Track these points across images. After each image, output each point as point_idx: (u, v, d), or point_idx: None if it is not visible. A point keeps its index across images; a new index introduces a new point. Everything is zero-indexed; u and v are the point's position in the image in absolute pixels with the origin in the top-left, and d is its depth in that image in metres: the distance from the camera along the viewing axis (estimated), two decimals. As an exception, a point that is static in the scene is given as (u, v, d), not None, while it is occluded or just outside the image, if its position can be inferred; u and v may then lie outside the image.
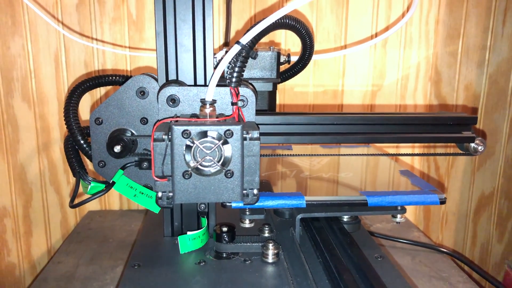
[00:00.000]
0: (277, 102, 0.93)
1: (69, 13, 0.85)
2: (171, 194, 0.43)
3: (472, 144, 0.55)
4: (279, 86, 0.92)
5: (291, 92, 0.93)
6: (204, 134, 0.42)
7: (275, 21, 0.48)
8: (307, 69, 0.92)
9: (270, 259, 0.51)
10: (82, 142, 0.53)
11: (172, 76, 0.52)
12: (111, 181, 0.51)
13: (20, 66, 0.86)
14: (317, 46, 0.92)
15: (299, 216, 0.54)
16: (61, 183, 0.92)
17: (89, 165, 0.56)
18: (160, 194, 0.43)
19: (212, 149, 0.42)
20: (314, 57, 0.73)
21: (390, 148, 0.96)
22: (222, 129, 0.42)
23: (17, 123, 0.88)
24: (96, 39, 0.87)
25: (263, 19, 0.46)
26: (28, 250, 0.94)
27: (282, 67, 0.65)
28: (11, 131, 0.88)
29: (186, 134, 0.42)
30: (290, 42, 0.91)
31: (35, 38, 0.85)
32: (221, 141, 0.42)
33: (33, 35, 0.85)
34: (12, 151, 0.89)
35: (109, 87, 0.87)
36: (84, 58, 0.87)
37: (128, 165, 0.52)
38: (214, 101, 0.46)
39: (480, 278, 0.93)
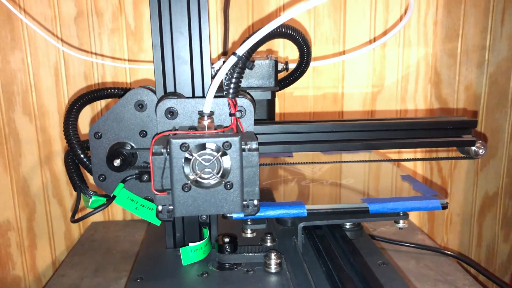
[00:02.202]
0: (277, 110, 0.93)
1: (67, 25, 0.85)
2: (171, 207, 0.43)
3: (473, 148, 0.55)
4: (279, 91, 0.92)
5: (291, 97, 0.93)
6: (202, 147, 0.42)
7: (271, 31, 0.48)
8: (307, 73, 0.92)
9: (273, 269, 0.51)
10: (82, 156, 0.53)
11: (170, 89, 0.52)
12: (112, 195, 0.51)
13: (20, 80, 0.87)
14: (315, 51, 0.92)
15: (301, 225, 0.54)
16: (64, 195, 0.92)
17: (90, 179, 0.56)
18: (160, 207, 0.43)
19: (211, 161, 0.42)
20: (312, 64, 0.73)
21: (392, 153, 0.96)
22: (220, 141, 0.42)
23: (18, 137, 0.88)
24: (96, 53, 0.87)
25: (259, 29, 0.46)
26: (33, 263, 0.94)
27: (281, 75, 0.65)
28: (13, 145, 0.88)
29: (184, 147, 0.42)
30: (288, 48, 0.91)
31: (34, 52, 0.86)
32: (220, 153, 0.42)
33: (32, 49, 0.86)
34: (14, 164, 0.89)
35: (110, 99, 0.88)
36: (84, 70, 0.88)
37: (129, 178, 0.52)
38: (212, 113, 0.46)
39: (487, 280, 0.92)
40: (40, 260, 0.94)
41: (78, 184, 0.55)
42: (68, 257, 0.76)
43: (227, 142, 0.42)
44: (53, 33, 0.85)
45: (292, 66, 0.64)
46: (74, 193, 0.94)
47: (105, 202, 0.52)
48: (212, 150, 0.43)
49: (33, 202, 0.92)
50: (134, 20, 0.87)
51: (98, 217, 0.95)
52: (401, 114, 0.96)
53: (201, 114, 0.45)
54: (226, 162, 0.43)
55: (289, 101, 0.93)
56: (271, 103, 0.60)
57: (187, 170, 0.42)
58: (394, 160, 0.77)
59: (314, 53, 0.91)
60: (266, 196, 0.58)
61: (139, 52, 0.88)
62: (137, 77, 0.90)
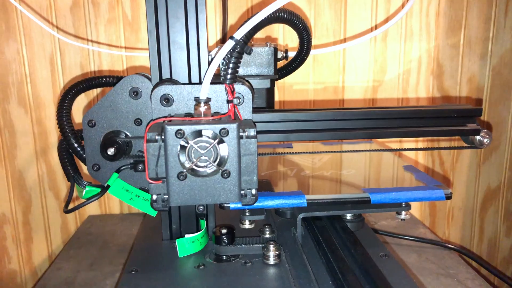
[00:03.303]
0: (277, 99, 0.92)
1: (63, 15, 0.84)
2: (166, 196, 0.42)
3: (478, 137, 0.53)
4: (279, 84, 0.91)
5: (291, 90, 0.92)
6: (198, 134, 0.41)
7: (270, 14, 0.47)
8: (307, 66, 0.91)
9: (272, 260, 0.50)
10: (76, 145, 0.52)
11: (166, 75, 0.51)
12: (106, 185, 0.50)
13: (16, 71, 0.85)
14: (316, 42, 0.90)
15: (301, 216, 0.53)
16: (60, 188, 0.91)
17: (84, 169, 0.55)
18: (155, 196, 0.42)
19: (208, 149, 0.41)
20: (313, 52, 0.71)
21: (393, 143, 0.94)
22: (217, 127, 0.41)
23: (14, 129, 0.87)
24: (92, 41, 0.86)
25: (257, 13, 0.44)
26: (29, 256, 0.93)
27: (280, 63, 0.63)
28: (8, 137, 0.87)
29: (180, 134, 0.40)
30: (288, 37, 0.89)
31: (29, 42, 0.84)
32: (217, 140, 0.41)
33: (27, 39, 0.84)
34: (10, 157, 0.88)
35: (106, 87, 0.86)
36: (80, 60, 0.86)
37: (123, 167, 0.51)
38: (208, 99, 0.44)
39: (489, 273, 0.91)
40: (36, 254, 0.93)
41: (72, 174, 0.53)
42: (64, 251, 0.75)
43: (224, 129, 0.41)
44: (48, 25, 0.84)
45: (292, 54, 0.62)
46: (69, 184, 0.93)
47: (99, 192, 0.51)
48: (209, 137, 0.41)
49: (28, 195, 0.90)
50: (131, 10, 0.85)
51: (94, 210, 0.93)
52: (403, 103, 0.94)
53: (197, 100, 0.43)
54: (223, 149, 0.41)
55: (289, 93, 0.92)
56: (270, 92, 0.59)
57: (182, 158, 0.41)
58: (396, 150, 0.76)
59: (314, 43, 0.90)
60: (265, 187, 0.56)
61: (136, 42, 0.87)
62: (134, 67, 0.88)
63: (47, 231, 0.93)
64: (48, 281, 0.65)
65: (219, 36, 0.87)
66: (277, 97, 0.92)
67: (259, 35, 0.87)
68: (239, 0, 0.87)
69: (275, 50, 0.58)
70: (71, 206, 0.53)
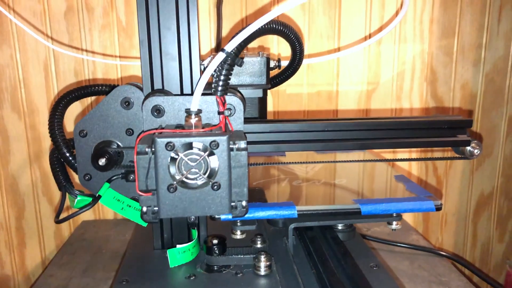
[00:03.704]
0: (271, 108, 0.92)
1: (57, 21, 0.84)
2: (156, 208, 0.42)
3: (468, 148, 0.53)
4: (273, 89, 0.91)
5: (284, 95, 0.92)
6: (189, 146, 0.41)
7: (262, 26, 0.47)
8: (301, 71, 0.91)
9: (262, 271, 0.50)
10: (67, 155, 0.52)
11: (157, 86, 0.51)
12: (97, 195, 0.50)
13: (9, 76, 0.85)
14: (310, 49, 0.90)
15: (292, 226, 0.53)
16: (54, 193, 0.91)
17: (75, 178, 0.55)
18: (145, 209, 0.42)
19: (198, 161, 0.41)
20: (307, 61, 0.72)
21: (387, 153, 0.95)
22: (207, 140, 0.41)
23: (7, 134, 0.87)
24: (86, 50, 0.85)
25: (249, 25, 0.45)
26: (22, 262, 0.93)
27: (273, 72, 0.63)
28: (1, 142, 0.87)
29: (170, 147, 0.40)
30: (282, 45, 0.89)
31: (23, 48, 0.84)
32: (207, 153, 0.41)
33: (21, 44, 0.84)
34: (3, 162, 0.88)
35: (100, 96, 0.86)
36: (74, 66, 0.86)
37: (114, 178, 0.51)
38: (199, 111, 0.44)
39: (481, 280, 0.91)
40: (29, 259, 0.93)
41: (64, 183, 0.53)
42: (57, 257, 0.75)
43: (214, 141, 0.41)
44: (42, 30, 0.84)
45: (284, 63, 0.63)
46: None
47: (90, 202, 0.51)
48: (199, 149, 0.41)
49: (22, 201, 0.90)
50: (125, 15, 0.85)
51: (88, 216, 0.93)
52: (396, 112, 0.95)
53: (188, 112, 0.44)
54: (214, 162, 0.41)
55: (283, 98, 0.92)
56: (262, 101, 0.59)
57: (172, 170, 0.41)
58: (389, 160, 0.76)
59: (308, 50, 0.90)
60: (258, 196, 0.56)
61: (131, 48, 0.87)
62: (128, 74, 0.88)
63: (40, 237, 0.93)
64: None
65: (213, 44, 0.88)
66: (271, 105, 0.92)
67: (253, 44, 0.87)
68: (234, 8, 0.87)
69: (268, 60, 0.58)
70: (63, 215, 0.53)
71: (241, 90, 0.56)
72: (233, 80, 0.58)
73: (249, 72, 0.58)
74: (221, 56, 0.44)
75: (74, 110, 0.87)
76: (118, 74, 0.88)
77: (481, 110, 0.97)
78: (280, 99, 0.92)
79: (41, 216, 0.92)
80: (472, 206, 1.03)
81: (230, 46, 0.44)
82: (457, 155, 0.55)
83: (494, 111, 0.98)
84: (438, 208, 0.50)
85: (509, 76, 0.96)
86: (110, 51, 0.86)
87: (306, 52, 0.90)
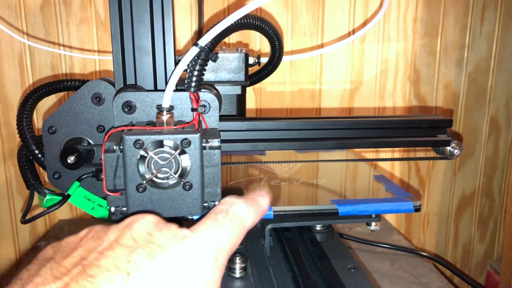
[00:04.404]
0: (254, 105, 0.91)
1: (32, 14, 0.81)
2: (125, 209, 0.40)
3: (448, 148, 0.53)
4: (255, 86, 0.89)
5: (267, 93, 0.91)
6: (159, 144, 0.39)
7: (238, 21, 0.45)
8: (284, 68, 0.90)
9: (237, 273, 0.49)
10: (36, 152, 0.50)
11: (130, 81, 0.49)
12: (66, 194, 0.48)
13: (-18, 70, 0.82)
14: (293, 46, 0.89)
15: (269, 227, 0.52)
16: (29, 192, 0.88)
17: (45, 176, 0.53)
18: (113, 209, 0.40)
19: (168, 160, 0.39)
20: (289, 57, 0.70)
21: (369, 152, 0.94)
22: (179, 138, 0.39)
23: (-20, 130, 0.84)
24: (64, 45, 0.83)
25: (224, 18, 0.43)
26: (-5, 262, 0.90)
27: (253, 69, 0.62)
28: (-27, 139, 0.84)
29: (138, 144, 0.38)
30: (265, 42, 0.88)
31: (-4, 41, 0.81)
32: (178, 151, 0.39)
33: (-6, 37, 0.81)
34: (-25, 159, 0.85)
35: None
36: (50, 61, 0.84)
37: (85, 176, 0.49)
38: (171, 107, 0.43)
39: (461, 281, 0.91)
40: (3, 259, 0.90)
41: (32, 182, 0.51)
42: (30, 256, 0.73)
43: (186, 139, 0.39)
44: (17, 24, 0.81)
45: (264, 60, 0.61)
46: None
47: (59, 201, 0.49)
48: (170, 147, 0.39)
49: (-5, 199, 0.87)
50: (104, 9, 0.83)
51: (65, 214, 0.91)
52: (379, 111, 0.94)
53: (159, 108, 0.42)
54: (185, 161, 0.40)
55: (265, 96, 0.91)
56: (241, 99, 0.57)
57: (142, 169, 0.39)
58: (370, 160, 0.75)
59: (291, 47, 0.89)
60: (237, 194, 0.55)
61: (109, 43, 0.84)
62: (106, 68, 0.86)
63: (15, 236, 0.90)
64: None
65: (194, 36, 0.86)
66: (253, 104, 0.90)
67: (234, 40, 0.86)
68: (216, 0, 0.85)
69: (247, 56, 0.57)
70: (30, 215, 0.51)
71: (218, 87, 0.55)
72: (211, 77, 0.56)
73: (227, 68, 0.56)
74: (194, 50, 0.42)
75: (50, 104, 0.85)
76: (97, 68, 0.86)
77: (463, 110, 0.97)
78: (262, 97, 0.91)
79: (16, 214, 0.89)
80: (454, 206, 1.03)
81: (204, 41, 0.42)
82: (438, 155, 0.54)
83: (476, 111, 0.98)
84: (417, 209, 0.49)
85: (491, 77, 0.96)
86: (88, 46, 0.84)
87: (289, 49, 0.89)
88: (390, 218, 1.01)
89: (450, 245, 1.05)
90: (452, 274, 0.90)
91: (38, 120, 0.85)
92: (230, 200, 0.36)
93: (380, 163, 0.97)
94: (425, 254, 0.75)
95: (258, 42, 0.88)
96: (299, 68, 0.90)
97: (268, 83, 0.89)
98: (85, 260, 0.27)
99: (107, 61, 0.85)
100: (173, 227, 0.31)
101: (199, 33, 0.81)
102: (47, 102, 0.84)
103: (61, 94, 0.85)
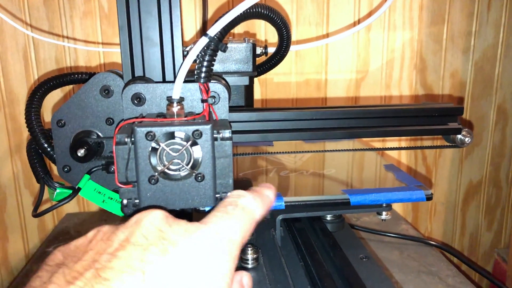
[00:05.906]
0: (259, 96, 0.90)
1: (36, 7, 0.81)
2: (137, 201, 0.40)
3: (459, 136, 0.52)
4: (260, 77, 0.89)
5: (273, 83, 0.90)
6: (170, 136, 0.39)
7: (247, 10, 0.45)
8: (289, 59, 0.89)
9: (250, 264, 0.49)
10: (46, 145, 0.50)
11: (138, 73, 0.49)
12: (76, 187, 0.48)
13: (-13, 65, 0.82)
14: (298, 36, 0.88)
15: (280, 217, 0.52)
16: (36, 186, 0.88)
17: (54, 169, 0.53)
18: (125, 201, 0.40)
19: (180, 152, 0.39)
20: (294, 47, 0.70)
21: (376, 142, 0.94)
22: (190, 129, 0.39)
23: (-14, 125, 0.84)
24: (68, 37, 0.83)
25: (233, 8, 0.43)
26: (5, 256, 0.90)
27: (260, 59, 0.61)
28: (-21, 134, 0.84)
29: (150, 136, 0.38)
30: (270, 32, 0.87)
31: (1, 35, 0.81)
32: (190, 143, 0.39)
33: (-1, 31, 0.81)
34: (-18, 154, 0.85)
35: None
36: (55, 54, 0.83)
37: (95, 169, 0.49)
38: (182, 99, 0.42)
39: (469, 269, 0.91)
40: (12, 254, 0.91)
41: (42, 175, 0.51)
42: (40, 250, 0.73)
43: (197, 130, 0.39)
44: (21, 17, 0.80)
45: (271, 50, 0.61)
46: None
47: (70, 194, 0.48)
48: (182, 139, 0.39)
49: (3, 193, 0.87)
50: (107, 2, 0.82)
51: (72, 208, 0.91)
52: (385, 100, 0.94)
53: (169, 100, 0.41)
54: (197, 152, 0.40)
55: (271, 87, 0.90)
56: (248, 89, 0.57)
57: (154, 161, 0.39)
58: (378, 149, 0.75)
59: (296, 37, 0.88)
60: (245, 187, 0.55)
61: (113, 36, 0.84)
62: (111, 61, 0.86)
63: (23, 230, 0.90)
64: (23, 285, 0.63)
65: (199, 28, 0.85)
66: (259, 94, 0.90)
67: (240, 30, 0.85)
68: (220, -7, 0.84)
69: (254, 46, 0.56)
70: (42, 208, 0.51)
71: (226, 78, 0.54)
72: (218, 67, 0.56)
73: (234, 59, 0.56)
74: (203, 41, 0.42)
75: (56, 97, 0.85)
76: (102, 61, 0.85)
77: (470, 99, 0.97)
78: (268, 88, 0.90)
79: (24, 209, 0.89)
80: (461, 195, 1.03)
81: (213, 31, 0.42)
82: (448, 144, 0.54)
83: (483, 99, 0.97)
84: (429, 198, 0.49)
85: (498, 65, 0.96)
86: (92, 38, 0.84)
87: (294, 39, 0.88)
88: (397, 208, 1.01)
89: (457, 234, 1.05)
90: (460, 262, 0.90)
91: (44, 115, 0.85)
92: (237, 192, 0.35)
93: (387, 153, 0.96)
94: (433, 242, 0.75)
95: (263, 32, 0.87)
96: (305, 58, 0.90)
97: (273, 74, 0.89)
98: (97, 262, 0.27)
99: (112, 54, 0.85)
100: (182, 221, 0.31)
101: (204, 25, 0.81)
102: (53, 98, 0.84)
103: (66, 88, 0.84)
